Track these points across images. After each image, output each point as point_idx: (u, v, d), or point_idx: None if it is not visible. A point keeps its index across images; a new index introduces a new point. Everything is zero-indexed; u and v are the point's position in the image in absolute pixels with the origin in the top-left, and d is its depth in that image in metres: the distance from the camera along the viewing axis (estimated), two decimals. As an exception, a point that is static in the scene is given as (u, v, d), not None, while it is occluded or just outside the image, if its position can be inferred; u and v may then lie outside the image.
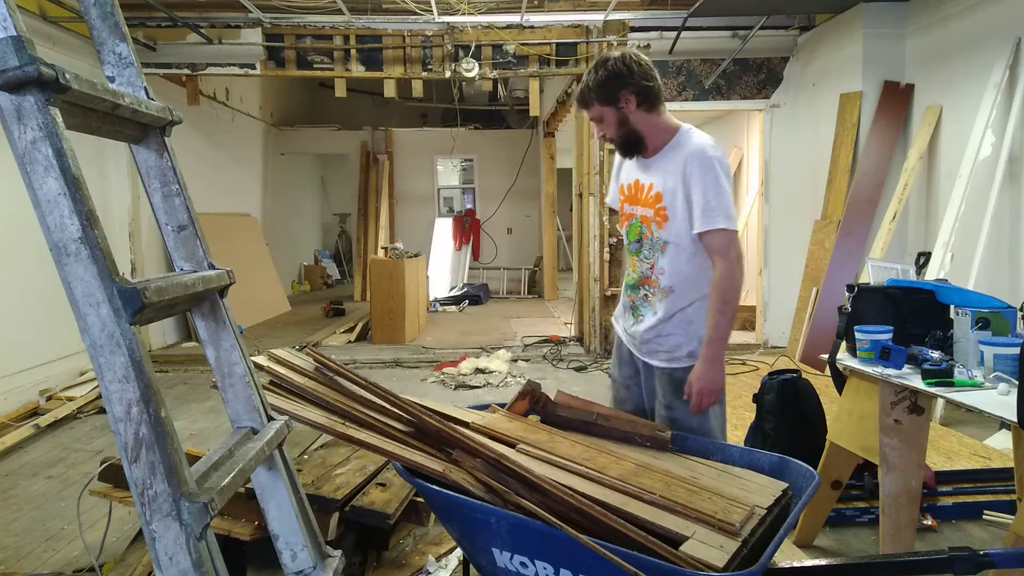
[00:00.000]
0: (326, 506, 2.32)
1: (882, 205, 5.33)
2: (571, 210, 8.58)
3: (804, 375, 3.12)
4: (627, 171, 2.27)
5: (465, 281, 11.20)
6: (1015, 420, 1.81)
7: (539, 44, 6.41)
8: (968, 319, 2.21)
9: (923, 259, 4.80)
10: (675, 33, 6.18)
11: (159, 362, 6.39)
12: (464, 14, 6.08)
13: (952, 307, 2.36)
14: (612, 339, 6.51)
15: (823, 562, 1.66)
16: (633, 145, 2.14)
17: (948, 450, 3.47)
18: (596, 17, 6.19)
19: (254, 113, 10.19)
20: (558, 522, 1.43)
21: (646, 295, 2.16)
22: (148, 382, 1.09)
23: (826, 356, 2.58)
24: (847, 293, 2.53)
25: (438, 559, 2.60)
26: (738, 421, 4.02)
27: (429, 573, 2.52)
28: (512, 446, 1.78)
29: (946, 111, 4.96)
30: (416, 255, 7.96)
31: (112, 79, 1.37)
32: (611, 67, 2.02)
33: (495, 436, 1.82)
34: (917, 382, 2.13)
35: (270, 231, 10.41)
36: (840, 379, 2.59)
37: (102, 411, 4.85)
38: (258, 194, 10.45)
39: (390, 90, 6.71)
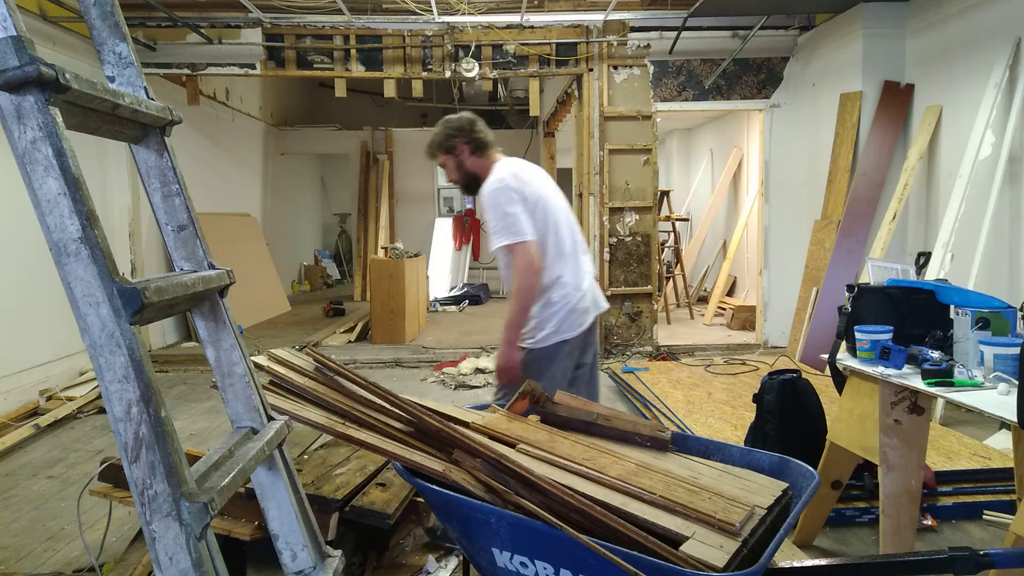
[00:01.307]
0: (326, 506, 2.32)
1: (882, 205, 5.33)
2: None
3: (804, 375, 3.12)
4: None
5: (465, 281, 11.19)
6: (1015, 420, 1.81)
7: (539, 44, 6.41)
8: (968, 319, 2.21)
9: (923, 259, 4.80)
10: (675, 33, 6.18)
11: (159, 362, 6.39)
12: (464, 14, 6.08)
13: (952, 307, 2.36)
14: (611, 339, 6.54)
15: (823, 562, 1.66)
16: (470, 184, 2.70)
17: (948, 450, 3.47)
18: (596, 17, 6.19)
19: (254, 113, 10.19)
20: (558, 522, 1.43)
21: None
22: (148, 382, 1.09)
23: (826, 356, 2.58)
24: (847, 293, 2.53)
25: (438, 559, 2.60)
26: (738, 421, 4.02)
27: (429, 573, 2.52)
28: (512, 446, 1.78)
29: (946, 111, 4.96)
30: (416, 255, 7.96)
31: (112, 79, 1.37)
32: (450, 125, 2.68)
33: (495, 436, 1.82)
34: (917, 382, 2.13)
35: (270, 231, 10.41)
36: (840, 379, 2.59)
37: (102, 411, 4.86)
38: (258, 194, 10.45)
39: (390, 90, 6.71)
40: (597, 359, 2.86)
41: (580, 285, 2.62)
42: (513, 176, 2.54)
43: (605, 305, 2.80)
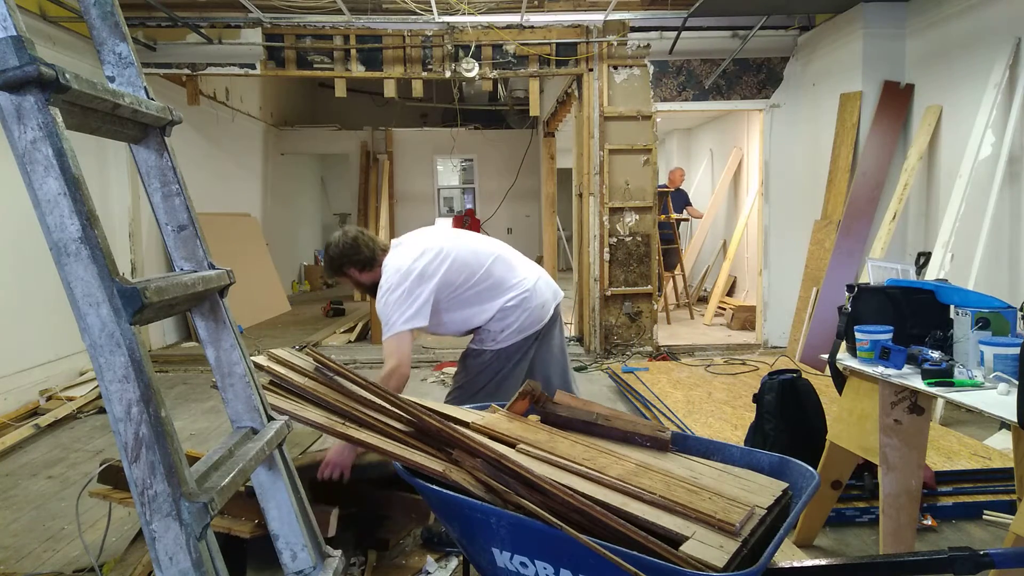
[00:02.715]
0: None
1: (882, 205, 5.33)
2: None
3: (804, 375, 3.12)
4: None
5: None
6: (1015, 420, 1.81)
7: (539, 44, 6.41)
8: (968, 319, 2.21)
9: (923, 259, 4.80)
10: (675, 33, 6.18)
11: (159, 362, 6.39)
12: (464, 14, 6.08)
13: (952, 307, 2.36)
14: (611, 339, 6.54)
15: (823, 562, 1.66)
16: (373, 292, 2.79)
17: (948, 450, 3.47)
18: (596, 17, 6.19)
19: (254, 113, 10.19)
20: (558, 522, 1.43)
21: None
22: (148, 382, 1.09)
23: (826, 356, 2.58)
24: (847, 293, 2.53)
25: (438, 559, 2.60)
26: (738, 421, 4.02)
27: (429, 573, 2.52)
28: (512, 446, 1.78)
29: (946, 111, 4.96)
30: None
31: (112, 79, 1.37)
32: (332, 254, 2.79)
33: (495, 436, 1.82)
34: (917, 382, 2.13)
35: (270, 231, 10.41)
36: (840, 379, 2.59)
37: (102, 411, 4.85)
38: (258, 194, 10.45)
39: (390, 90, 6.71)
40: (565, 345, 3.08)
41: (531, 283, 2.85)
42: (394, 271, 2.66)
43: (562, 293, 3.03)
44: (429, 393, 5.35)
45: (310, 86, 12.12)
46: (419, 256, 2.69)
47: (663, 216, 7.90)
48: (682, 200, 8.96)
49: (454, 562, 2.58)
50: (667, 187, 8.72)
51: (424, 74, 6.44)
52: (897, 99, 5.37)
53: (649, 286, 6.59)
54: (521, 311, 2.81)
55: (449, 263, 2.72)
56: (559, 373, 3.02)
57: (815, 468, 1.74)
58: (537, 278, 2.91)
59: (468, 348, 2.92)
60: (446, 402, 2.67)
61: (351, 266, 2.78)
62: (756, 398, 3.08)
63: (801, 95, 6.43)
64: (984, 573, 1.65)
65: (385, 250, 2.80)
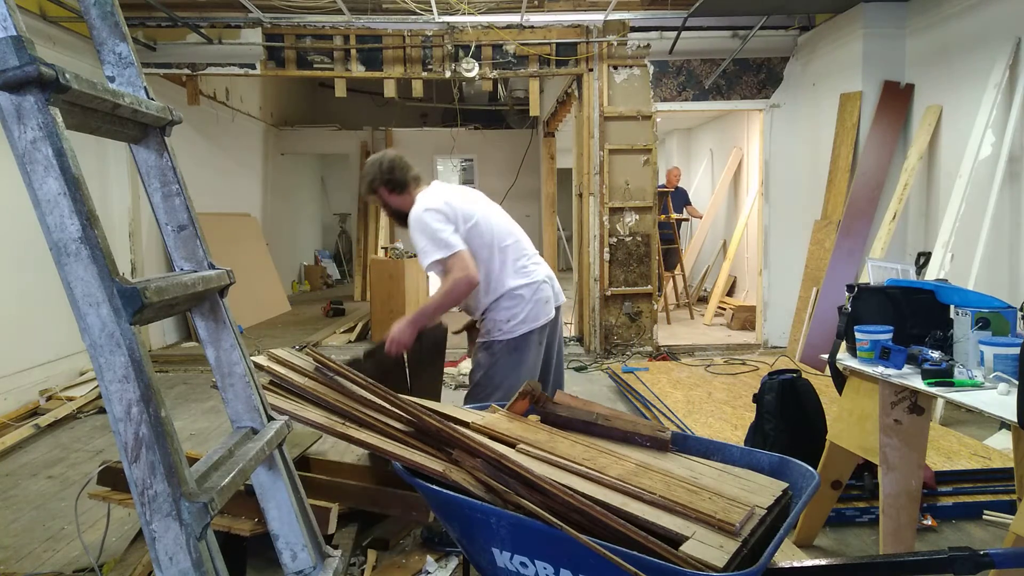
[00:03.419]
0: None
1: (882, 205, 5.33)
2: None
3: (804, 375, 3.12)
4: None
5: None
6: (1015, 420, 1.81)
7: (539, 44, 6.41)
8: (968, 319, 2.21)
9: (923, 259, 4.80)
10: (675, 33, 6.18)
11: (159, 362, 6.39)
12: (464, 14, 6.08)
13: (952, 307, 2.36)
14: (611, 339, 6.54)
15: (823, 562, 1.66)
16: (399, 219, 2.91)
17: (948, 450, 3.47)
18: (596, 17, 6.19)
19: (254, 113, 10.19)
20: (558, 522, 1.43)
21: None
22: (148, 382, 1.09)
23: (826, 356, 2.58)
24: (847, 293, 2.53)
25: (438, 559, 2.60)
26: (738, 421, 4.02)
27: (429, 573, 2.52)
28: (512, 446, 1.78)
29: (946, 111, 4.96)
30: (416, 255, 7.95)
31: (112, 79, 1.37)
32: (368, 169, 2.87)
33: (495, 436, 1.82)
34: (917, 382, 2.13)
35: (270, 231, 10.41)
36: (840, 379, 2.59)
37: (102, 411, 4.85)
38: (258, 194, 10.45)
39: (390, 90, 6.71)
40: (563, 348, 3.15)
41: (542, 277, 2.88)
42: (435, 199, 2.75)
43: (563, 298, 3.06)
44: (429, 393, 5.35)
45: (310, 86, 12.12)
46: (454, 195, 2.82)
47: (663, 216, 7.90)
48: (682, 199, 8.96)
49: (454, 562, 2.58)
50: (666, 187, 8.73)
51: (424, 74, 6.44)
52: (897, 99, 5.37)
53: (649, 286, 6.59)
54: (528, 302, 2.82)
55: (476, 220, 2.79)
56: (556, 378, 3.06)
57: (815, 468, 1.74)
58: (548, 274, 2.95)
59: (478, 344, 2.93)
60: (465, 402, 2.71)
61: (383, 185, 2.84)
62: (756, 398, 3.08)
63: (801, 95, 6.43)
64: (984, 573, 1.65)
65: (418, 180, 2.88)
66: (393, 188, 2.85)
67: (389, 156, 2.88)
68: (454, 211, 2.73)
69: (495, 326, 2.82)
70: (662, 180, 9.04)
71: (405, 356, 2.85)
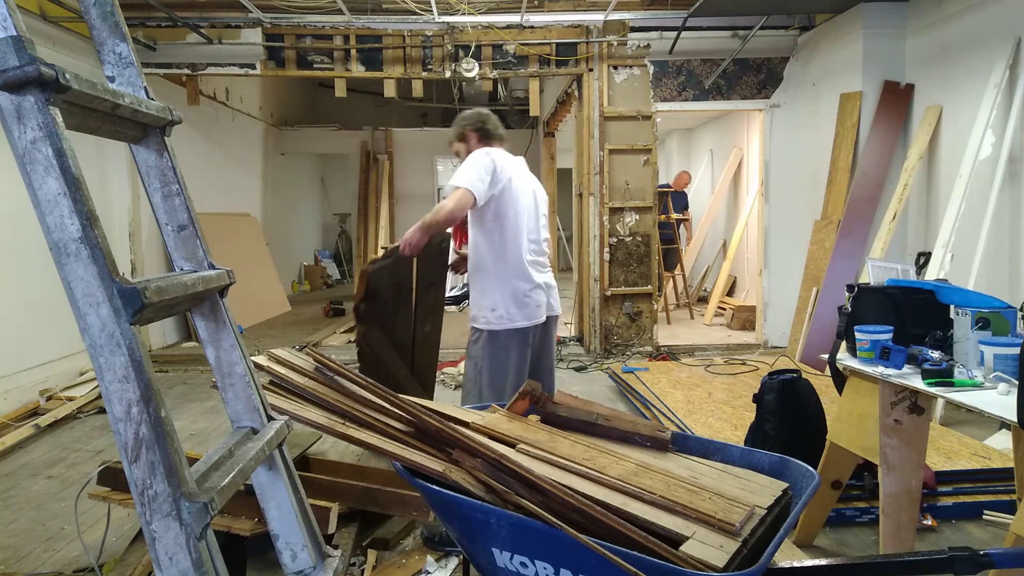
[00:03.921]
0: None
1: (882, 205, 5.33)
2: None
3: (804, 375, 3.11)
4: None
5: (465, 281, 11.17)
6: (1015, 420, 1.81)
7: (539, 44, 6.41)
8: (968, 319, 2.21)
9: (923, 259, 4.80)
10: (675, 33, 6.18)
11: (159, 362, 6.39)
12: (464, 14, 6.08)
13: (952, 307, 2.36)
14: (611, 339, 6.54)
15: (823, 562, 1.66)
16: None
17: (948, 450, 3.47)
18: (596, 17, 6.19)
19: (254, 113, 10.18)
20: (558, 522, 1.43)
21: None
22: (148, 382, 1.09)
23: (826, 356, 2.58)
24: (847, 293, 2.53)
25: (438, 559, 2.60)
26: (738, 421, 4.02)
27: (429, 573, 2.52)
28: (512, 446, 1.78)
29: (946, 111, 4.96)
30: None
31: (112, 79, 1.37)
32: (464, 114, 3.18)
33: (495, 436, 1.82)
34: (917, 382, 2.13)
35: (270, 231, 10.41)
36: (840, 379, 2.58)
37: (102, 411, 4.85)
38: (258, 194, 10.45)
39: (390, 90, 6.71)
40: (553, 361, 3.27)
41: (536, 275, 3.01)
42: (497, 154, 2.98)
43: (559, 310, 3.18)
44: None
45: (310, 86, 12.12)
46: (511, 168, 3.02)
47: (663, 216, 7.90)
48: (681, 203, 8.97)
49: (454, 562, 2.58)
50: (668, 187, 8.72)
51: (424, 74, 6.44)
52: (897, 99, 5.37)
53: (649, 286, 6.58)
54: (519, 299, 2.97)
55: (507, 194, 2.98)
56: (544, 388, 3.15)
57: (815, 468, 1.74)
58: (548, 283, 3.10)
59: (469, 338, 3.07)
60: (462, 402, 2.81)
61: (475, 131, 3.13)
62: (756, 398, 3.08)
63: (801, 95, 6.42)
64: (984, 573, 1.65)
65: (501, 139, 3.16)
66: (481, 136, 3.13)
67: (487, 111, 3.20)
68: (499, 173, 2.94)
69: (480, 313, 3.00)
70: (663, 180, 9.05)
71: (415, 262, 3.38)
